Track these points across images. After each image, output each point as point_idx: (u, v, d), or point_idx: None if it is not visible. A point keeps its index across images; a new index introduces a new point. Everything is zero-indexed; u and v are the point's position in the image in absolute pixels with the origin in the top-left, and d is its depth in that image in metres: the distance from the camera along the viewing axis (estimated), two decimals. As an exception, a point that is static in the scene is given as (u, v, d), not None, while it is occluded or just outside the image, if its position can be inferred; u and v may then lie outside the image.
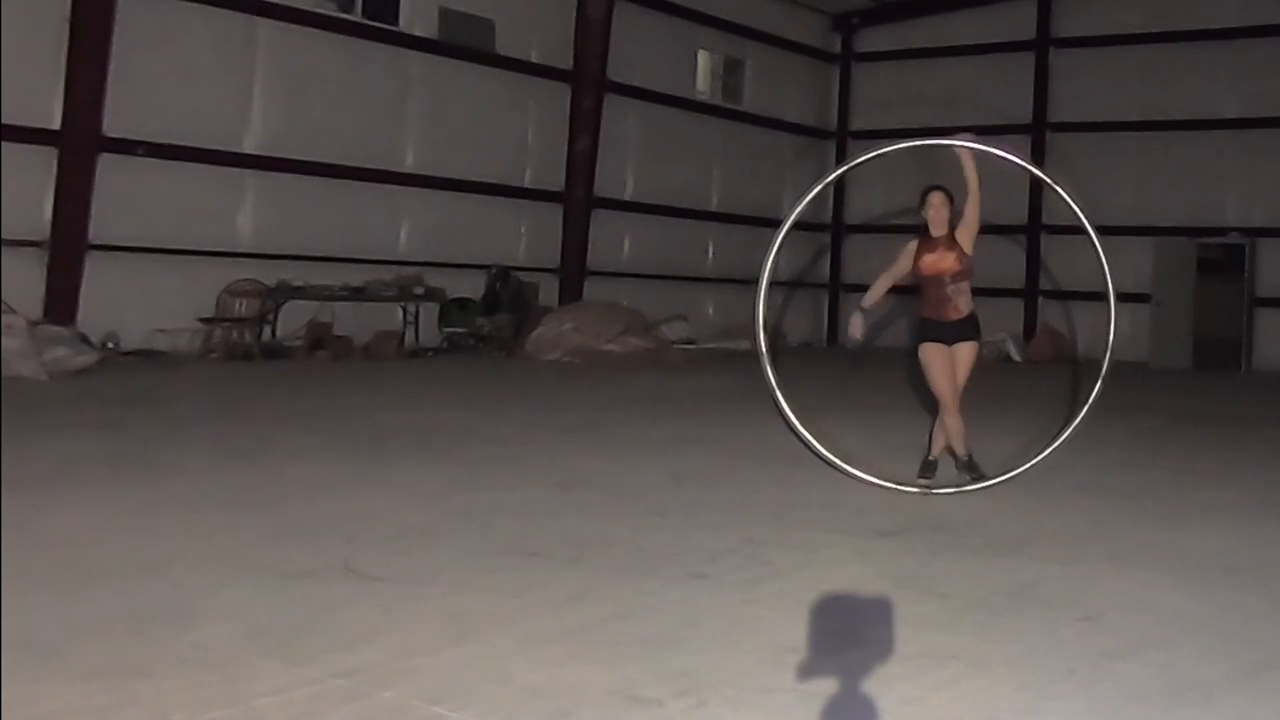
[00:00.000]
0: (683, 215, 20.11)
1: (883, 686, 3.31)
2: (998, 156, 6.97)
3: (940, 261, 6.80)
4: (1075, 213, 6.99)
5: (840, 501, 6.22)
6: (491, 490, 6.23)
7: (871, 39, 22.94)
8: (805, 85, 22.77)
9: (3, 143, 12.17)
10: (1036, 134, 20.94)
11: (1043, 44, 20.98)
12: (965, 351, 6.86)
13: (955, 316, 6.82)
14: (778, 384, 6.69)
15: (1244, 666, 3.65)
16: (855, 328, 6.95)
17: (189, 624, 3.72)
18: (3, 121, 12.13)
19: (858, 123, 23.10)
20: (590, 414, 9.93)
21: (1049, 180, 7.03)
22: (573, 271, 18.35)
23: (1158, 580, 4.69)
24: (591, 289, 18.38)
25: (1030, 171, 7.05)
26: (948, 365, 6.83)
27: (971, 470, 6.89)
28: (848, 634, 3.95)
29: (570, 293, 18.10)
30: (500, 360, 15.45)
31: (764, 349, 6.94)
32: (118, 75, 13.06)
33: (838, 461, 6.68)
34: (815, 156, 23.09)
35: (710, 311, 20.54)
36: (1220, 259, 19.19)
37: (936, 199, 6.92)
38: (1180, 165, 19.73)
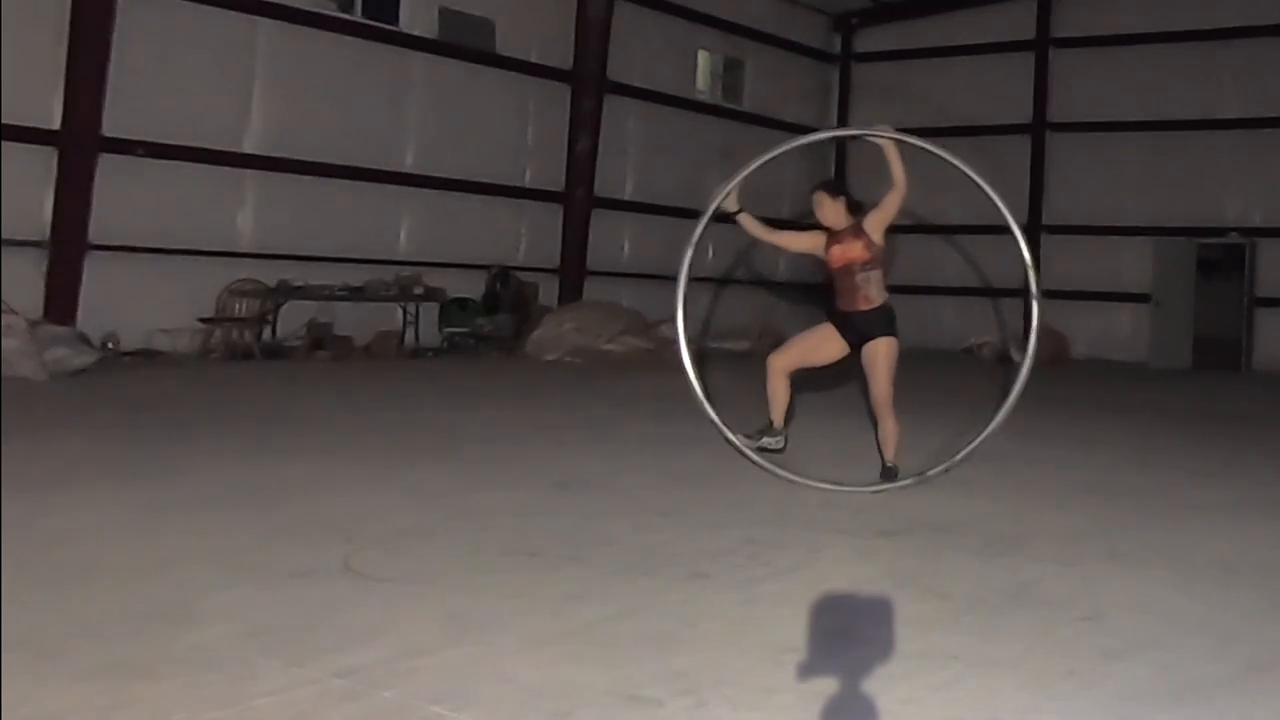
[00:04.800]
0: (683, 215, 20.10)
1: (883, 686, 3.31)
2: (918, 148, 6.76)
3: (848, 251, 6.75)
4: (1001, 211, 6.88)
5: (840, 501, 6.22)
6: (491, 490, 6.22)
7: (871, 39, 22.95)
8: (805, 85, 22.76)
9: (3, 143, 12.17)
10: (1036, 134, 20.95)
11: (1043, 44, 20.98)
12: (880, 349, 6.72)
13: (866, 307, 6.75)
14: (701, 385, 6.77)
15: (1244, 666, 3.65)
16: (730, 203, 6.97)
17: (189, 624, 3.71)
18: (3, 121, 12.14)
19: (857, 123, 23.08)
20: (590, 414, 9.93)
21: (973, 175, 6.88)
22: (573, 271, 18.34)
23: (1158, 580, 4.69)
24: (591, 289, 18.38)
25: (955, 165, 6.86)
26: (826, 344, 6.84)
27: (889, 479, 6.72)
28: (848, 634, 3.95)
29: (570, 293, 18.10)
30: (500, 360, 15.45)
31: (684, 347, 6.99)
32: (118, 75, 13.05)
33: (764, 463, 6.67)
34: (816, 156, 23.09)
35: (710, 312, 20.53)
36: (1220, 259, 19.19)
37: (818, 198, 6.90)
38: (1180, 165, 19.72)
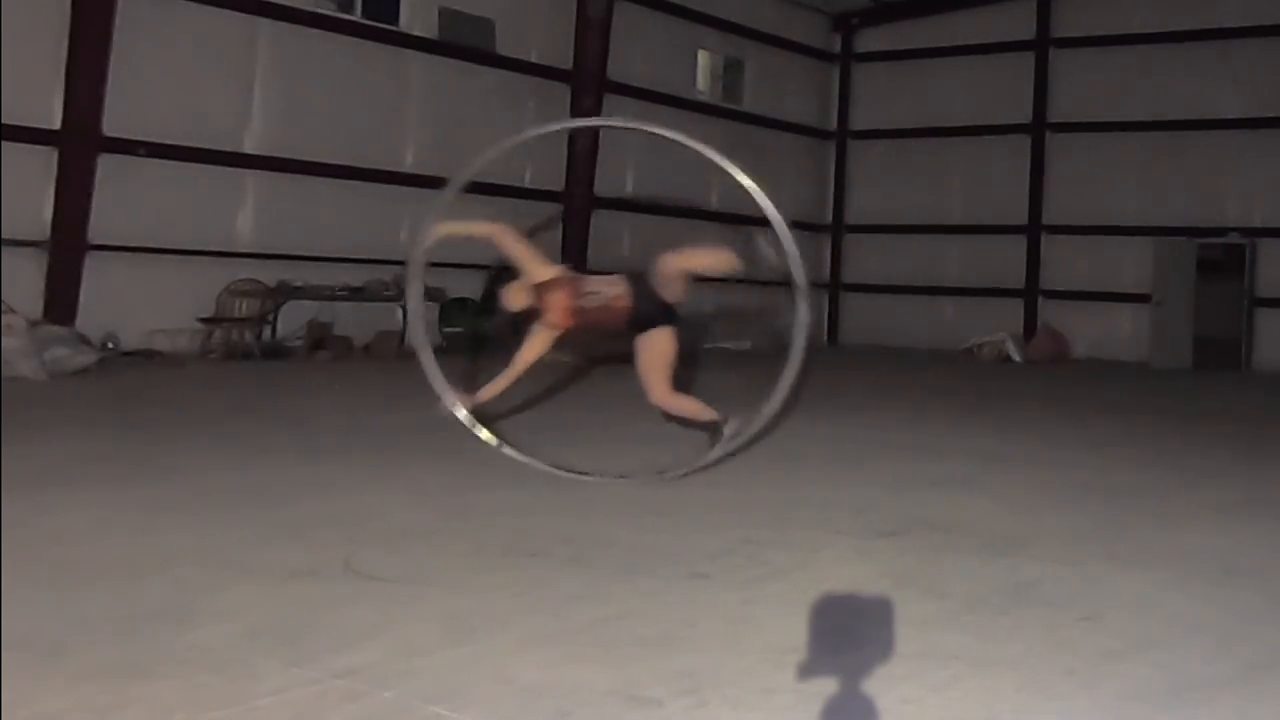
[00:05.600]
0: (682, 215, 20.10)
1: (883, 686, 3.31)
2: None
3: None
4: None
5: (840, 501, 6.21)
6: (491, 490, 6.22)
7: (871, 39, 22.94)
8: (805, 85, 22.76)
9: (3, 143, 12.17)
10: (1036, 134, 20.94)
11: (1043, 44, 20.97)
12: (646, 343, 6.63)
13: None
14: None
15: (1244, 666, 3.65)
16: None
17: (189, 624, 3.71)
18: (3, 121, 12.14)
19: (858, 123, 23.10)
20: (590, 413, 9.93)
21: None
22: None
23: (1158, 580, 4.69)
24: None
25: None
26: (661, 345, 6.61)
27: (716, 437, 6.67)
28: (848, 634, 3.95)
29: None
30: (500, 360, 15.43)
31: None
32: (118, 75, 13.06)
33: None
34: (815, 156, 23.10)
35: (710, 312, 20.53)
36: (1220, 259, 19.18)
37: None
38: (1180, 165, 19.72)
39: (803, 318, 6.70)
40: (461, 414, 6.71)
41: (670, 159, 19.93)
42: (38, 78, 12.58)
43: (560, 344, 6.85)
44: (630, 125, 6.82)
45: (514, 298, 6.59)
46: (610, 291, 6.61)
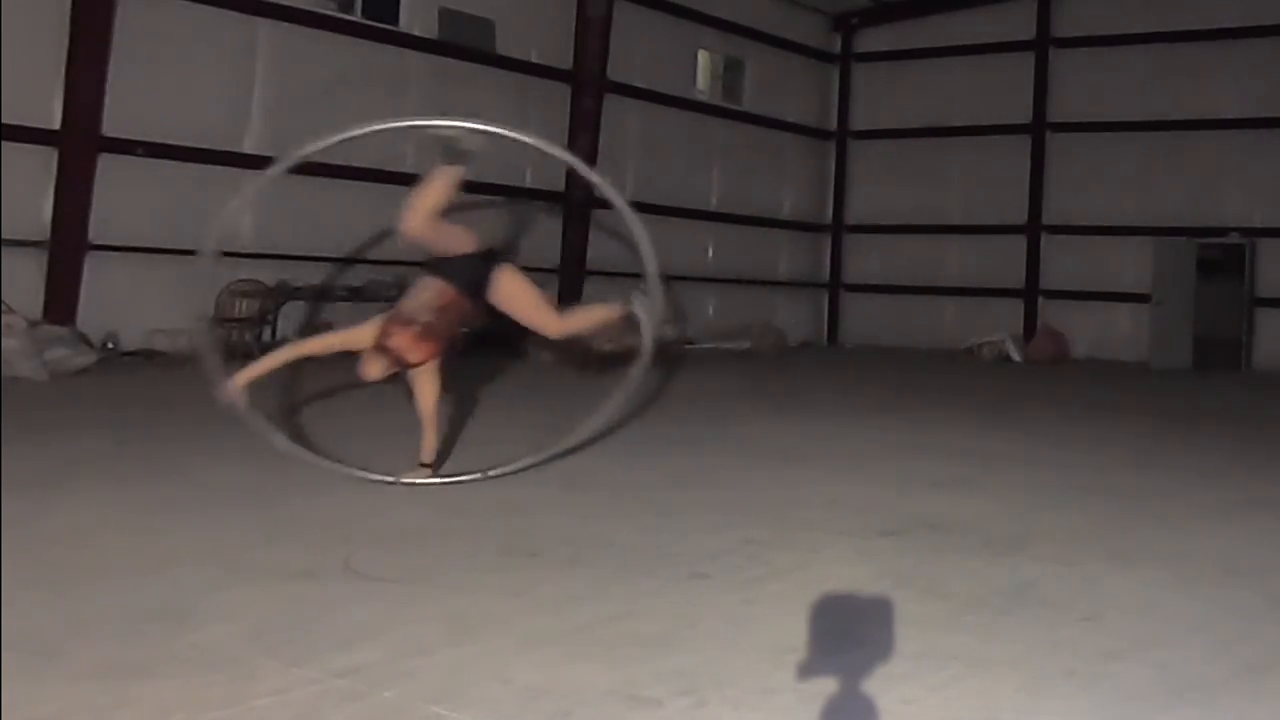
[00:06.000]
0: (682, 215, 20.11)
1: (883, 686, 3.31)
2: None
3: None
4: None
5: (840, 501, 6.21)
6: (491, 490, 6.22)
7: (871, 39, 22.94)
8: (805, 85, 22.75)
9: (3, 143, 12.17)
10: (1036, 134, 20.94)
11: (1043, 44, 20.97)
12: (500, 293, 6.40)
13: None
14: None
15: (1244, 666, 3.65)
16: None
17: (189, 624, 3.72)
18: (3, 121, 12.14)
19: (858, 123, 23.10)
20: (589, 414, 9.91)
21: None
22: (573, 271, 18.34)
23: (1158, 580, 4.69)
24: (591, 289, 18.38)
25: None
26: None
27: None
28: (848, 634, 3.95)
29: (570, 293, 18.10)
30: (500, 360, 15.44)
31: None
32: (118, 75, 13.05)
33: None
34: (815, 156, 23.10)
35: (710, 312, 20.54)
36: (1220, 259, 19.17)
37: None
38: (1180, 165, 19.71)
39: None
40: (246, 409, 6.13)
41: (671, 159, 20.00)
42: (38, 78, 12.57)
43: (445, 368, 6.38)
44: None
45: (371, 370, 6.05)
46: (427, 294, 6.18)
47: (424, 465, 6.38)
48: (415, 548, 4.90)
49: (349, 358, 6.20)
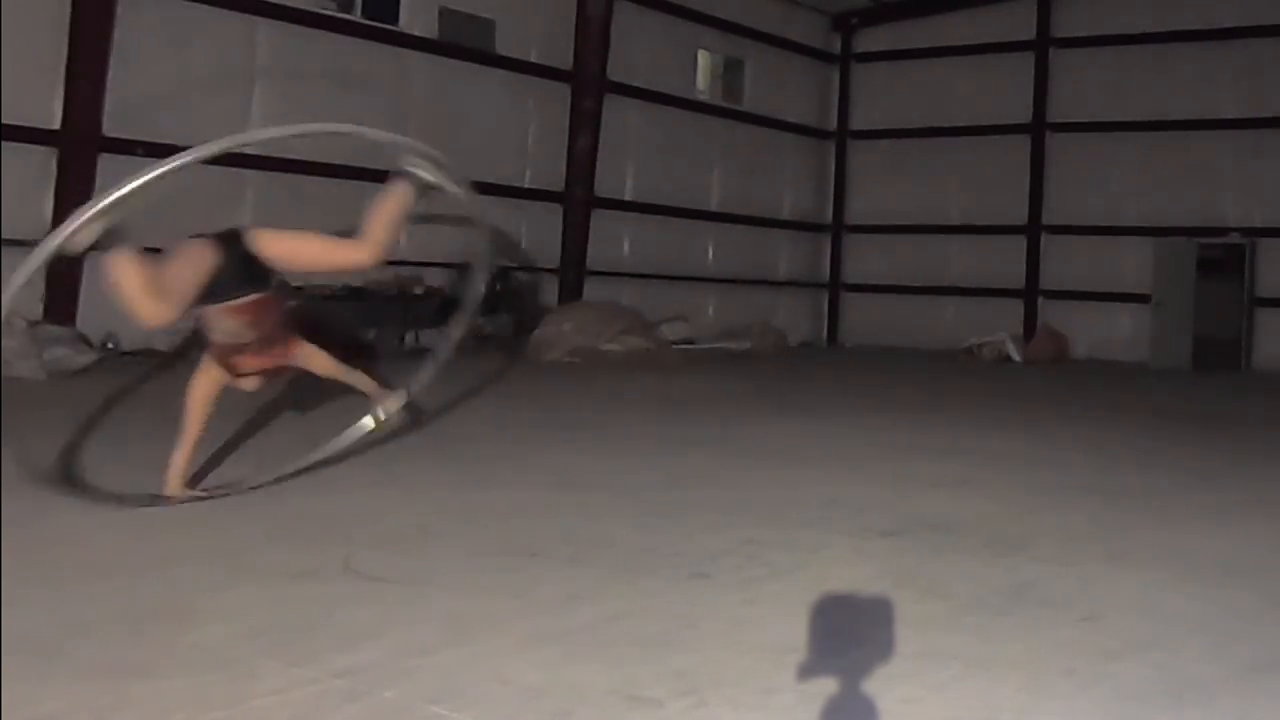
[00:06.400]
0: (683, 215, 20.11)
1: (883, 686, 3.31)
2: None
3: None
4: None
5: (840, 501, 6.21)
6: (491, 490, 6.23)
7: (871, 39, 22.94)
8: (805, 85, 22.76)
9: (3, 143, 12.17)
10: (1036, 134, 20.94)
11: (1043, 44, 20.97)
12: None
13: None
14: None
15: (1244, 666, 3.65)
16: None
17: (189, 624, 3.72)
18: (3, 121, 12.14)
19: (857, 123, 23.10)
20: (590, 414, 9.93)
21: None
22: (573, 271, 18.35)
23: (1158, 580, 4.69)
24: (591, 289, 18.38)
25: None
26: None
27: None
28: (848, 634, 3.95)
29: (570, 293, 18.10)
30: (500, 360, 15.44)
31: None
32: (118, 75, 13.05)
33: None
34: (815, 156, 23.10)
35: (710, 312, 20.55)
36: (1220, 259, 19.17)
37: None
38: (1180, 165, 19.71)
39: (431, 167, 6.05)
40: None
41: (671, 159, 19.99)
42: (38, 78, 12.57)
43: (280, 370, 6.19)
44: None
45: (246, 384, 6.03)
46: (229, 324, 5.86)
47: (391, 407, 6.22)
48: (415, 548, 4.90)
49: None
